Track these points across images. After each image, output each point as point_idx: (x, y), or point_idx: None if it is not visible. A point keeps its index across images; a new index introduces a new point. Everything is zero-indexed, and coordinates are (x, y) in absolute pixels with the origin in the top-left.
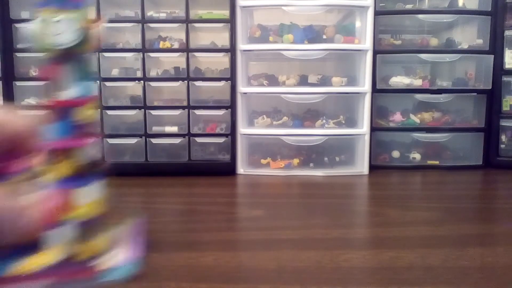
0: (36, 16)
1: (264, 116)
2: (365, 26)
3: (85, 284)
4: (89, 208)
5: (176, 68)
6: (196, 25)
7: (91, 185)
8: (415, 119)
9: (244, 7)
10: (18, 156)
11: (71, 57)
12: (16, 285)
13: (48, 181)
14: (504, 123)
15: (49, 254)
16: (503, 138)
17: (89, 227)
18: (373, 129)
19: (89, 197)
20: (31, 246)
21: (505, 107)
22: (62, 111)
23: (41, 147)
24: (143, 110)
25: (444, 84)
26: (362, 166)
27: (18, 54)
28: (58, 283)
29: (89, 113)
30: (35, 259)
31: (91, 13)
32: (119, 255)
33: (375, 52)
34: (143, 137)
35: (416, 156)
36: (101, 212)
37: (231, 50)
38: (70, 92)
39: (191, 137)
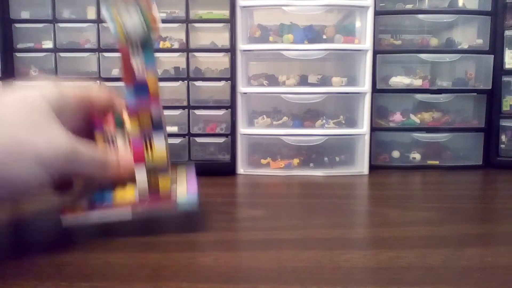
0: (113, 8)
1: (264, 116)
2: (365, 26)
3: (166, 212)
4: (162, 152)
5: (176, 68)
6: (196, 25)
7: (161, 135)
8: (415, 119)
9: (244, 7)
10: (106, 116)
11: (139, 40)
12: (112, 211)
13: (132, 131)
14: (504, 123)
15: (136, 188)
16: (503, 138)
17: (163, 168)
18: (373, 129)
19: (161, 144)
20: (121, 184)
21: (505, 107)
22: (136, 82)
23: (123, 107)
24: None
25: (444, 84)
26: (362, 166)
27: (18, 54)
28: (145, 210)
29: (154, 83)
30: (125, 192)
31: (92, 13)
32: (184, 190)
33: (375, 52)
34: None
35: (416, 156)
36: (168, 157)
37: (231, 50)
38: (140, 68)
39: (191, 137)
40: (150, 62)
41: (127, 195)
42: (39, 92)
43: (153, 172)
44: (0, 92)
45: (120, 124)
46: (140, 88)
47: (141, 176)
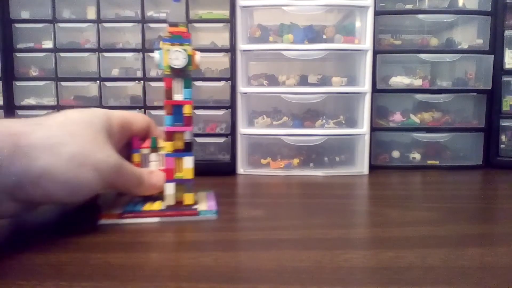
0: (161, 47)
1: (264, 116)
2: (365, 26)
3: (190, 219)
4: (190, 171)
5: None
6: (196, 25)
7: (190, 156)
8: (415, 119)
9: (244, 7)
10: (144, 138)
11: (181, 74)
12: (145, 218)
13: (165, 152)
14: (504, 123)
15: (166, 200)
16: (503, 138)
17: (189, 184)
18: (373, 129)
19: (189, 164)
20: (151, 200)
21: (505, 107)
22: (175, 107)
23: (158, 131)
24: (143, 110)
25: (444, 84)
26: (362, 166)
27: (18, 54)
28: (170, 217)
29: (190, 110)
30: (157, 203)
31: (92, 13)
32: (205, 206)
33: (375, 52)
34: None
35: (416, 156)
36: (193, 176)
37: (231, 50)
38: (180, 96)
39: None
40: (188, 92)
41: (155, 207)
42: (95, 114)
43: (180, 188)
44: (65, 111)
45: (155, 146)
46: (178, 116)
47: (170, 189)
